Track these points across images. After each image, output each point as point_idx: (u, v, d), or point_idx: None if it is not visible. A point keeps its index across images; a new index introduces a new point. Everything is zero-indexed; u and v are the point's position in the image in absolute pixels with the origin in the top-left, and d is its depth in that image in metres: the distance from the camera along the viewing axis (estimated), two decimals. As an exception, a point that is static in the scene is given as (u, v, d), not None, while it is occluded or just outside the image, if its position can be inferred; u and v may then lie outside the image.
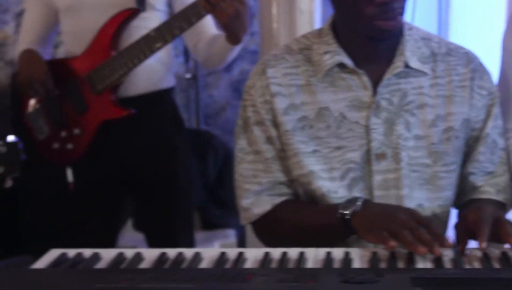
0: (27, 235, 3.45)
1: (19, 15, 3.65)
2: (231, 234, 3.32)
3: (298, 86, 1.65)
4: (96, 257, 1.41)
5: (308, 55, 1.67)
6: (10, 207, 3.19)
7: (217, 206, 3.40)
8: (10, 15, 3.65)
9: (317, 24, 3.55)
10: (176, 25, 2.34)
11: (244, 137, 1.70)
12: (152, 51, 2.39)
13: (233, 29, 2.27)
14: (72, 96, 2.53)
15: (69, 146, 2.55)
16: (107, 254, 1.43)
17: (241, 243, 3.34)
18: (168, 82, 2.63)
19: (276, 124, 1.65)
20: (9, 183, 1.93)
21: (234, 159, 1.75)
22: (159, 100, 2.59)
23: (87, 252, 1.44)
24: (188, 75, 3.83)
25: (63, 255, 1.43)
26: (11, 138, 1.94)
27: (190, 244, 2.69)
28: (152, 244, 2.67)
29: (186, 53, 3.75)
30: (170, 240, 2.61)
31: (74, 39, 2.57)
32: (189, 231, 2.73)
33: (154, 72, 2.55)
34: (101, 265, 1.39)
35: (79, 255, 1.43)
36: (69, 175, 2.55)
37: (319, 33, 1.69)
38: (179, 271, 1.28)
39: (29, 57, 2.57)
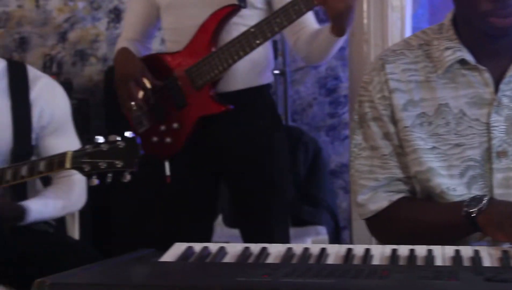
0: (119, 229, 3.52)
1: (111, 12, 3.72)
2: (322, 231, 3.32)
3: (417, 82, 1.64)
4: (222, 252, 1.42)
5: (428, 51, 1.65)
6: (103, 201, 3.24)
7: (307, 203, 3.40)
8: (102, 12, 3.71)
9: (408, 20, 3.52)
10: (277, 21, 2.35)
11: (360, 132, 1.69)
12: (252, 47, 2.40)
13: (341, 21, 2.27)
14: (172, 91, 2.56)
15: (168, 140, 2.58)
16: (233, 249, 1.44)
17: (333, 240, 3.33)
18: (267, 78, 2.64)
19: (394, 120, 1.64)
20: (127, 178, 1.97)
21: (350, 154, 1.74)
22: (258, 96, 2.61)
23: (213, 246, 1.45)
24: (276, 71, 3.84)
25: (189, 249, 1.44)
26: (129, 133, 1.98)
27: (286, 240, 2.70)
28: (247, 240, 2.68)
29: (274, 50, 3.76)
30: (266, 236, 2.62)
31: (175, 35, 2.60)
32: (285, 227, 2.73)
33: (253, 68, 2.56)
34: (227, 259, 1.40)
35: (205, 249, 1.44)
36: (167, 168, 2.58)
37: (439, 28, 1.67)
38: (315, 266, 1.28)
39: (125, 56, 2.61)
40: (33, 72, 2.42)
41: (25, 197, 2.40)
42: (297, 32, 2.52)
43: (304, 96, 3.93)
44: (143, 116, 2.62)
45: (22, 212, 2.28)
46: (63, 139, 2.41)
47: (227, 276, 1.18)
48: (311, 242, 3.20)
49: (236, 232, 2.99)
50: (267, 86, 2.65)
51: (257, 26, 2.37)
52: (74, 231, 2.66)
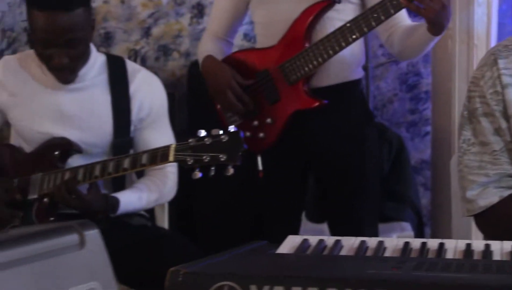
0: (201, 221, 3.55)
1: (195, 7, 3.75)
2: (407, 227, 3.30)
3: (530, 77, 1.62)
4: (339, 245, 1.43)
5: (540, 45, 1.64)
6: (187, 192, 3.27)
7: (391, 199, 3.38)
8: (186, 7, 3.75)
9: (494, 16, 3.47)
10: (374, 16, 2.34)
11: (469, 128, 1.68)
12: (348, 42, 2.40)
13: (438, 22, 2.25)
14: (265, 86, 2.57)
15: (261, 135, 2.59)
16: (348, 242, 1.45)
17: (417, 236, 3.31)
18: (358, 73, 2.64)
19: (506, 116, 1.63)
20: (230, 171, 1.99)
21: (458, 150, 1.73)
22: (350, 91, 2.61)
23: (328, 239, 1.46)
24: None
25: (305, 241, 1.46)
26: (232, 127, 2.00)
27: (375, 235, 2.69)
28: (336, 234, 2.68)
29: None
30: (357, 231, 2.62)
31: (267, 29, 2.61)
32: (375, 222, 2.73)
33: (346, 63, 2.56)
34: (344, 252, 1.41)
35: (321, 242, 1.45)
36: (260, 163, 2.60)
37: None
38: (439, 260, 1.28)
39: (212, 67, 2.61)
40: (131, 66, 2.47)
41: (123, 188, 2.45)
42: (391, 27, 2.51)
43: (384, 92, 3.91)
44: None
45: (115, 204, 2.33)
46: (159, 132, 2.45)
47: (356, 269, 1.19)
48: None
49: (318, 227, 3.00)
50: (358, 81, 2.65)
51: (354, 20, 2.37)
52: (164, 222, 2.71)
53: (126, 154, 2.23)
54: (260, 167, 2.61)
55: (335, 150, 2.59)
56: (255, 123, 2.60)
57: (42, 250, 0.82)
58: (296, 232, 2.73)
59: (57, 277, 0.81)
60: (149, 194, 2.43)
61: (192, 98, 3.62)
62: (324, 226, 2.82)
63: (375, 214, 2.76)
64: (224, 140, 1.99)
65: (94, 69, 2.39)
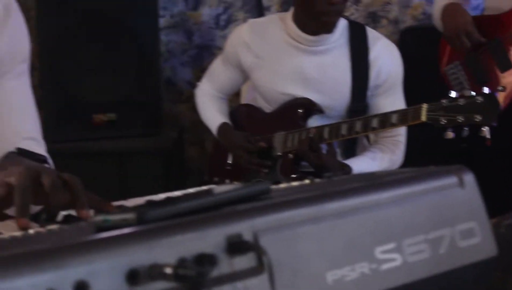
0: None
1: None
2: None
3: None
4: None
5: None
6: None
7: None
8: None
9: None
10: None
11: None
12: None
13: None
14: (496, 53, 2.58)
15: None
16: None
17: None
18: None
19: None
20: (485, 133, 2.03)
21: None
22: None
23: None
24: None
25: None
26: (486, 89, 2.04)
27: None
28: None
29: None
30: None
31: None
32: None
33: None
34: None
35: None
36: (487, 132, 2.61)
37: None
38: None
39: (453, 10, 2.66)
40: (372, 33, 2.55)
41: (353, 153, 2.54)
42: None
43: None
44: (462, 77, 2.67)
45: (348, 170, 2.41)
46: (394, 99, 2.51)
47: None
48: None
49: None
50: None
51: None
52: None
53: (374, 114, 2.31)
54: (488, 135, 2.62)
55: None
56: (485, 90, 2.61)
57: (423, 190, 0.90)
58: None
59: (439, 214, 0.89)
60: (381, 162, 2.48)
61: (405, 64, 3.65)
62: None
63: None
64: (479, 101, 2.03)
65: (337, 32, 2.49)
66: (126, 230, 0.71)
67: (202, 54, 3.87)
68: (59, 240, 0.75)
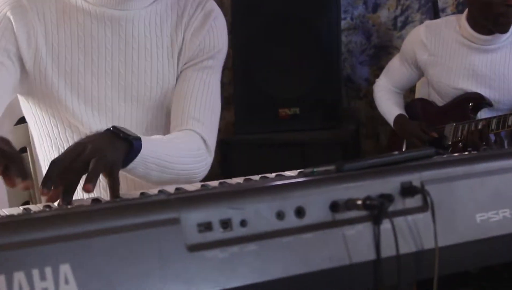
0: None
1: None
2: None
3: None
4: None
5: None
6: None
7: None
8: None
9: None
10: None
11: None
12: None
13: None
14: None
15: None
16: None
17: None
18: None
19: None
20: None
21: None
22: None
23: None
24: None
25: None
26: None
27: None
28: None
29: None
30: None
31: None
32: None
33: None
34: None
35: None
36: None
37: None
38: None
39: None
40: None
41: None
42: None
43: None
44: None
45: None
46: None
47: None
48: None
49: None
50: None
51: None
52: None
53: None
54: None
55: None
56: None
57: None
58: None
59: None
60: None
61: None
62: None
63: None
64: None
65: (508, 32, 2.69)
66: (330, 175, 1.02)
67: (380, 54, 4.12)
68: (281, 180, 1.06)
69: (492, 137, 2.61)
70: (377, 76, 3.20)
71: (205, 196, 0.93)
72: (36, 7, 1.61)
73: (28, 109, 1.70)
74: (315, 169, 1.07)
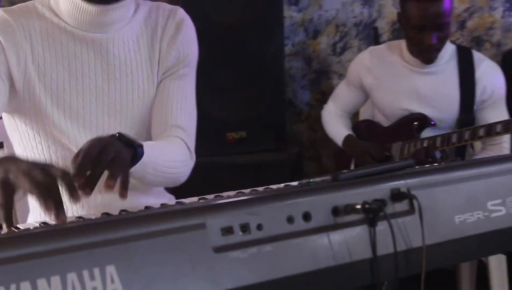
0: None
1: (507, 1, 4.12)
2: None
3: None
4: None
5: None
6: None
7: None
8: (499, 1, 4.13)
9: None
10: None
11: None
12: None
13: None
14: None
15: None
16: None
17: None
18: None
19: None
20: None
21: None
22: None
23: None
24: None
25: None
26: None
27: None
28: None
29: None
30: None
31: None
32: None
33: None
34: None
35: None
36: None
37: None
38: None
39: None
40: (477, 55, 2.93)
41: (463, 159, 2.91)
42: None
43: None
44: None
45: None
46: (497, 112, 2.87)
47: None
48: None
49: None
50: None
51: None
52: None
53: (480, 125, 2.69)
54: None
55: None
56: None
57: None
58: None
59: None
60: None
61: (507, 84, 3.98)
62: None
63: None
64: None
65: (446, 55, 2.88)
66: (329, 184, 1.15)
67: (320, 79, 4.29)
68: (287, 190, 1.19)
69: (438, 154, 2.78)
70: (318, 100, 3.35)
71: (226, 203, 1.05)
72: (22, 27, 1.70)
73: (14, 126, 1.78)
74: (311, 180, 1.19)
